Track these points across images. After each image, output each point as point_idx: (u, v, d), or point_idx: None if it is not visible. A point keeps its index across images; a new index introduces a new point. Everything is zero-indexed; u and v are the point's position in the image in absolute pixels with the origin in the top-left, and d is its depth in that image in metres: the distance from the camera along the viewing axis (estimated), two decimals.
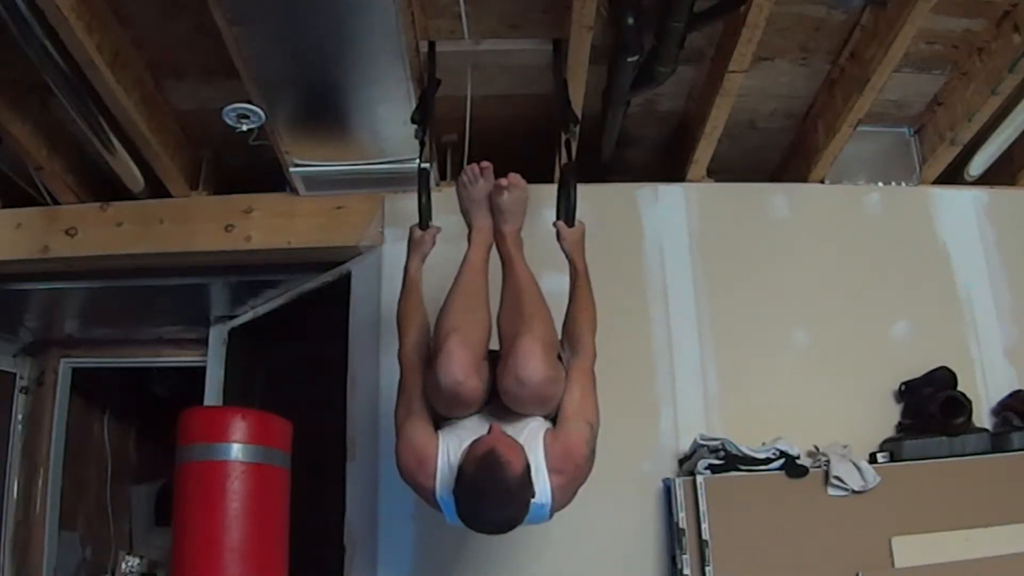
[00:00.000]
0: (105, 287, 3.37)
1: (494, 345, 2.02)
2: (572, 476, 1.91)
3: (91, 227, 3.09)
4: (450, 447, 1.89)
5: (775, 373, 2.91)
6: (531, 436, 1.88)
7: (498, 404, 1.93)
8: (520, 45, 2.63)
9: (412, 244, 2.29)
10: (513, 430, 1.88)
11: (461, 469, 1.78)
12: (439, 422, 1.97)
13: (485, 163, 2.22)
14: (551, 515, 1.93)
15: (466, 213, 2.26)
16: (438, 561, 2.72)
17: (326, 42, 2.28)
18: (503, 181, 2.18)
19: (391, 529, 2.75)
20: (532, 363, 1.82)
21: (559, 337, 2.08)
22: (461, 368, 1.84)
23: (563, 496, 1.92)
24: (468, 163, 2.28)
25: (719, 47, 2.68)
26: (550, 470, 1.86)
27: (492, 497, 1.74)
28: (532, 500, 1.80)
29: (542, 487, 1.85)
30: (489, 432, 1.81)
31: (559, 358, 1.99)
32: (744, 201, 3.14)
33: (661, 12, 2.39)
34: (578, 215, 2.29)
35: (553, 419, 1.95)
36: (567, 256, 2.26)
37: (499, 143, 2.79)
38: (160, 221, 3.10)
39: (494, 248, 2.23)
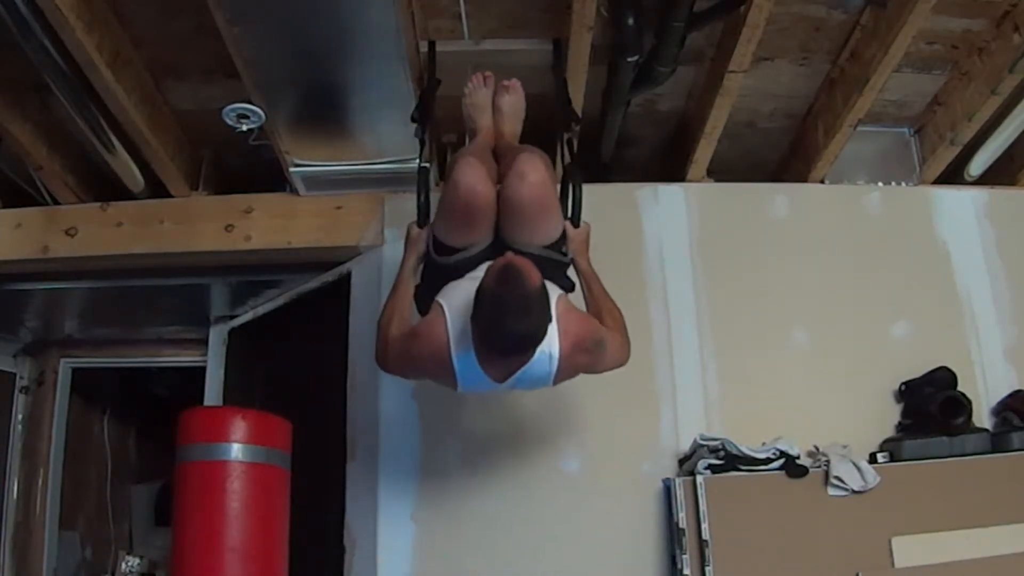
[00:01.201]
0: (105, 287, 3.37)
1: None
2: (577, 343, 1.95)
3: (91, 227, 3.10)
4: (453, 305, 1.93)
5: (775, 373, 2.91)
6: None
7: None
8: (520, 45, 2.63)
9: (409, 242, 2.28)
10: None
11: (480, 290, 1.81)
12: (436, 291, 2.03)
13: (488, 72, 2.43)
14: (555, 378, 1.95)
15: (469, 119, 2.42)
16: (438, 561, 2.72)
17: (326, 42, 2.28)
18: (506, 82, 2.41)
19: (391, 529, 2.75)
20: (533, 162, 1.98)
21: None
22: (475, 174, 1.96)
23: (568, 363, 1.94)
24: None
25: (719, 47, 2.68)
26: (560, 329, 1.90)
27: (513, 305, 1.76)
28: (547, 323, 1.83)
29: (552, 338, 1.88)
30: (504, 254, 1.87)
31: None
32: (744, 201, 3.14)
33: (661, 12, 2.40)
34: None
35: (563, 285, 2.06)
36: (572, 258, 2.25)
37: None
38: (160, 221, 3.10)
39: None
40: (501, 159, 2.24)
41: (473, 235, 2.04)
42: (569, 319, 1.96)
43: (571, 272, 2.22)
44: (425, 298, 2.09)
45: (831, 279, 3.03)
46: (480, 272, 1.93)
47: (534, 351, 1.85)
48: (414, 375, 2.26)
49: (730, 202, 3.14)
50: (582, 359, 2.00)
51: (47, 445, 3.95)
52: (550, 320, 1.85)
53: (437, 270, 2.12)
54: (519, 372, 1.90)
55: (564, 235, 2.15)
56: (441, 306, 1.96)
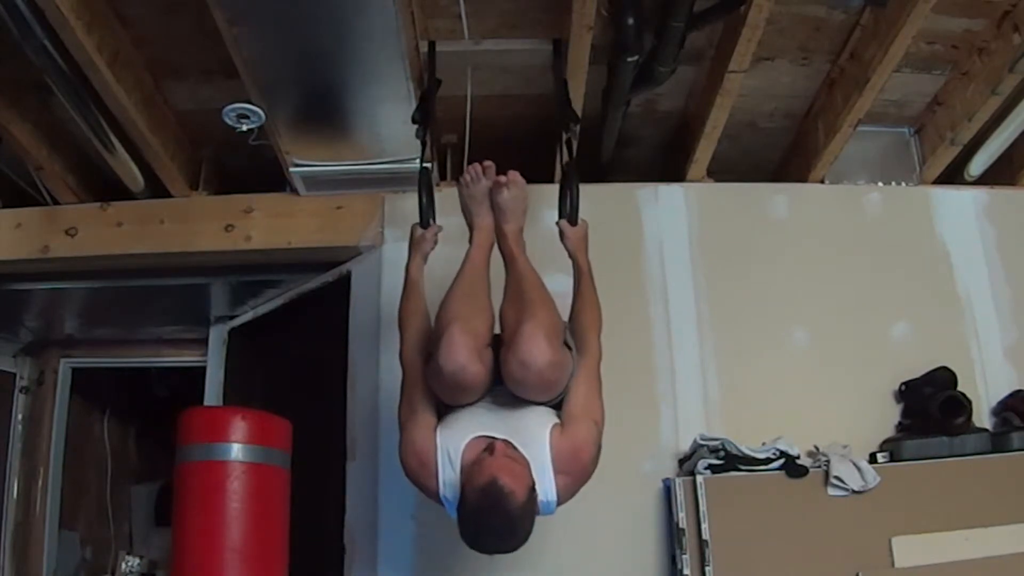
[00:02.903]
0: (105, 287, 3.37)
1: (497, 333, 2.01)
2: (578, 476, 1.91)
3: (91, 227, 3.09)
4: (449, 447, 1.88)
5: (775, 373, 2.91)
6: (537, 431, 1.87)
7: (501, 391, 1.93)
8: (520, 45, 2.63)
9: (413, 243, 2.29)
10: (517, 420, 1.88)
11: (464, 495, 1.77)
12: (443, 413, 1.96)
13: (488, 162, 2.24)
14: (555, 510, 1.93)
15: (467, 213, 2.26)
16: (438, 561, 2.72)
17: (326, 42, 2.28)
18: (502, 178, 2.20)
19: (391, 529, 2.75)
20: (536, 346, 1.80)
21: (565, 327, 2.07)
22: (463, 353, 1.82)
23: (567, 493, 1.92)
24: (468, 163, 2.29)
25: (719, 47, 2.68)
26: (556, 471, 1.85)
27: (495, 527, 1.73)
28: (537, 505, 1.80)
29: (547, 486, 1.84)
30: (492, 452, 1.78)
31: (566, 345, 1.98)
32: (744, 201, 3.14)
33: (661, 12, 2.39)
34: (579, 214, 2.29)
35: (557, 406, 1.94)
36: (570, 255, 2.26)
37: (499, 143, 2.78)
38: (160, 221, 3.10)
39: (496, 252, 2.23)
40: (505, 311, 2.00)
41: (467, 398, 1.94)
42: (561, 451, 1.85)
43: (570, 273, 2.21)
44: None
45: (831, 279, 3.03)
46: (481, 418, 1.89)
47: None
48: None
49: (730, 202, 3.14)
50: (581, 483, 1.94)
51: (47, 445, 3.95)
52: (537, 513, 1.80)
53: None
54: None
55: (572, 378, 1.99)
56: (436, 441, 1.90)
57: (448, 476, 1.86)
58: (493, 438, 1.83)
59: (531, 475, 1.80)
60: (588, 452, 1.90)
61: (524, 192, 2.22)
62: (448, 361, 1.81)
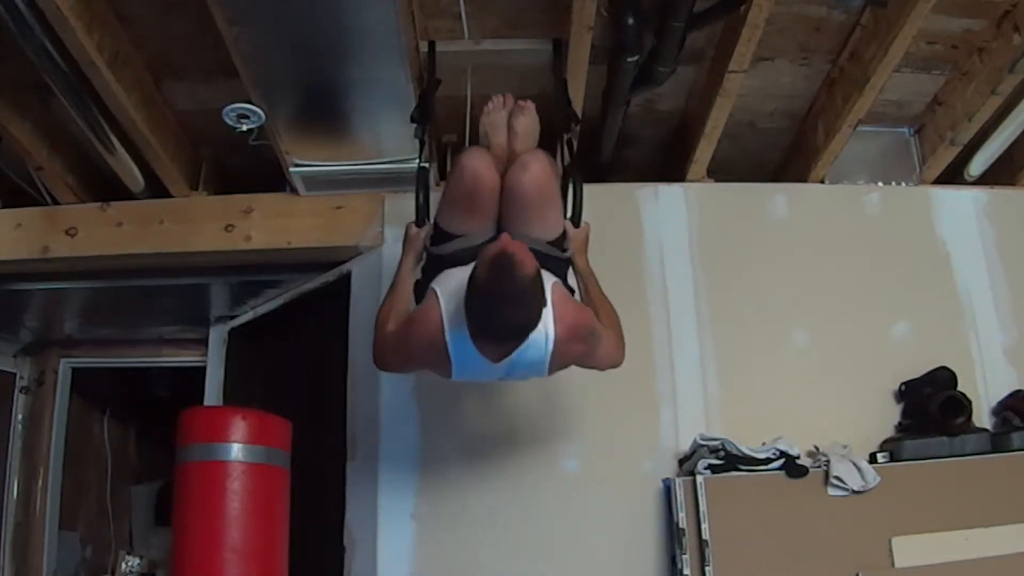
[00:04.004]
0: (105, 287, 3.37)
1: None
2: (572, 329, 1.94)
3: (91, 227, 3.09)
4: (446, 288, 1.93)
5: (775, 373, 2.92)
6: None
7: None
8: (520, 45, 2.63)
9: (407, 242, 2.28)
10: None
11: (473, 276, 1.79)
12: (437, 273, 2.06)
13: (508, 94, 2.41)
14: (550, 364, 1.95)
15: (484, 136, 2.39)
16: (438, 561, 2.72)
17: (326, 42, 2.28)
18: (521, 102, 2.38)
19: (391, 529, 2.75)
20: (536, 155, 2.04)
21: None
22: (481, 159, 2.01)
23: (564, 348, 1.94)
24: None
25: (719, 47, 2.68)
26: (556, 315, 1.90)
27: (507, 295, 1.75)
28: (542, 309, 1.82)
29: (546, 319, 1.87)
30: (499, 238, 1.85)
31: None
32: (744, 201, 3.14)
33: (661, 12, 2.40)
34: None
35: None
36: (571, 257, 2.26)
37: None
38: (160, 221, 3.10)
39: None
40: (508, 165, 2.23)
41: (475, 222, 2.05)
42: (565, 306, 1.97)
43: (570, 274, 2.22)
44: (423, 291, 2.10)
45: (831, 279, 3.03)
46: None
47: (528, 336, 1.84)
48: (410, 366, 2.23)
49: (730, 202, 3.14)
50: (577, 347, 1.99)
51: (47, 445, 3.95)
52: (544, 305, 1.84)
53: (436, 262, 2.13)
54: (514, 354, 1.87)
55: (565, 234, 2.15)
56: (435, 291, 1.97)
57: (451, 311, 1.89)
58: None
59: (538, 264, 1.83)
60: (584, 322, 1.99)
61: (536, 123, 2.38)
62: (469, 160, 2.01)
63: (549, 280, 1.95)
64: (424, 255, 2.24)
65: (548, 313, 1.88)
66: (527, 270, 1.77)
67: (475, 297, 1.78)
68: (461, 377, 1.99)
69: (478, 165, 2.01)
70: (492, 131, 2.39)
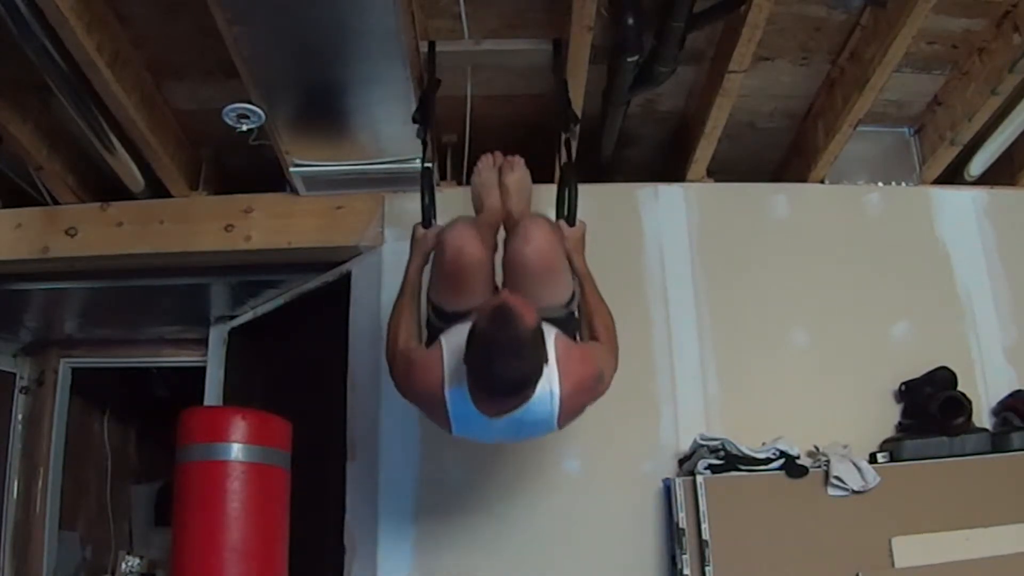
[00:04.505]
0: (105, 287, 3.37)
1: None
2: (579, 384, 1.91)
3: (91, 227, 3.09)
4: (451, 343, 1.90)
5: (775, 373, 2.91)
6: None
7: None
8: (520, 45, 2.63)
9: (415, 244, 2.28)
10: None
11: (473, 329, 1.77)
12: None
13: (497, 152, 2.41)
14: (559, 419, 1.91)
15: (476, 198, 2.37)
16: (438, 561, 2.72)
17: (326, 42, 2.28)
18: (511, 158, 2.38)
19: (391, 529, 2.75)
20: (537, 224, 2.00)
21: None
22: (463, 235, 1.97)
23: (571, 402, 1.91)
24: (468, 163, 2.30)
25: (719, 47, 2.68)
26: (561, 371, 1.86)
27: (505, 347, 1.72)
28: (542, 364, 1.78)
29: (551, 375, 1.84)
30: (499, 292, 1.86)
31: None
32: (744, 201, 3.14)
33: (661, 12, 2.40)
34: (578, 215, 2.28)
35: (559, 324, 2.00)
36: (568, 257, 2.25)
37: (499, 143, 2.78)
38: (160, 221, 3.09)
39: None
40: (509, 232, 2.21)
41: (469, 299, 1.99)
42: (569, 360, 1.90)
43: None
44: (435, 334, 2.06)
45: (831, 279, 3.03)
46: None
47: (528, 393, 1.80)
48: (411, 401, 2.15)
49: (730, 202, 3.14)
50: (585, 397, 1.97)
51: (47, 445, 3.95)
52: (545, 361, 1.80)
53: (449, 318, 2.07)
54: (518, 412, 1.83)
55: (574, 296, 2.11)
56: (441, 344, 1.94)
57: (453, 365, 1.86)
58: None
59: (539, 318, 1.80)
60: (591, 369, 1.95)
61: (527, 177, 2.37)
62: (450, 237, 1.97)
63: (551, 333, 1.90)
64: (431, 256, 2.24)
65: (552, 370, 1.84)
66: (527, 323, 1.74)
67: (473, 346, 1.76)
68: (461, 434, 1.96)
69: (459, 242, 1.96)
70: (484, 192, 2.37)
